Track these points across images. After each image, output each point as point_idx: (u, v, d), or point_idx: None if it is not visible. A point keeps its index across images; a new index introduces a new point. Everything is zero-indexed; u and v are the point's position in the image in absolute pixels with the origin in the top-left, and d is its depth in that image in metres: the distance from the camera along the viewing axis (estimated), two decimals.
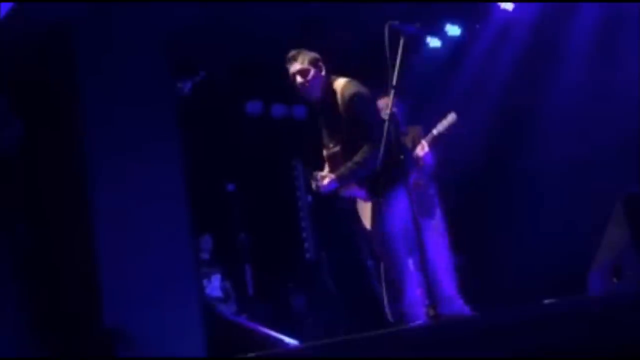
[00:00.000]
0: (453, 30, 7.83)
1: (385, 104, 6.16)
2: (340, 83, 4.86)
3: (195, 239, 6.61)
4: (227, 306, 7.48)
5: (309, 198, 8.60)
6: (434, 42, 7.99)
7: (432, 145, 6.07)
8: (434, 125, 6.16)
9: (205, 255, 7.65)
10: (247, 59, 7.68)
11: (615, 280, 4.71)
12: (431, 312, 4.45)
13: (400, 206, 4.77)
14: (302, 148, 8.66)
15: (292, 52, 4.90)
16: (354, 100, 4.74)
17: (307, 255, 8.57)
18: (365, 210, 5.56)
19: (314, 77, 4.83)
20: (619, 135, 6.77)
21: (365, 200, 5.06)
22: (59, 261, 5.31)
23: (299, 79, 4.85)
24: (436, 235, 6.15)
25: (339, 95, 4.79)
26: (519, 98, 7.58)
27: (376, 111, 4.83)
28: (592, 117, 7.06)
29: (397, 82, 4.67)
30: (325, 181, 4.83)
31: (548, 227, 7.16)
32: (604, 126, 6.93)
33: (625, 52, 6.82)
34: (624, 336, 3.05)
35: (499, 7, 7.48)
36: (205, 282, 7.40)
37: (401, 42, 4.70)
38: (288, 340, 5.69)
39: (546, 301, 4.70)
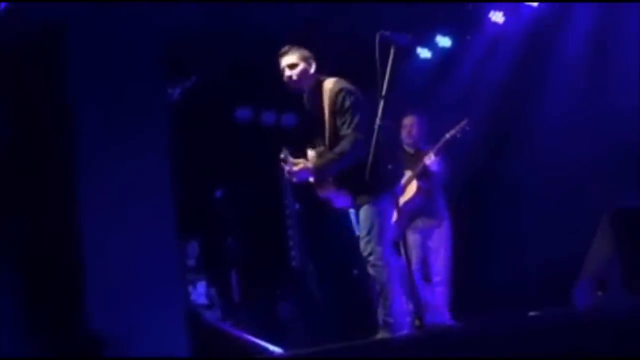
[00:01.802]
0: (444, 41, 7.86)
1: (409, 124, 6.24)
2: (329, 82, 4.87)
3: (182, 244, 6.58)
4: (212, 313, 7.45)
5: (297, 205, 8.59)
6: (424, 52, 8.02)
7: (440, 152, 6.09)
8: (435, 134, 6.20)
9: (191, 262, 7.62)
10: (237, 65, 7.68)
11: (600, 293, 4.73)
12: (417, 322, 4.46)
13: (387, 214, 4.76)
14: (292, 155, 8.66)
15: (286, 47, 4.93)
16: (340, 93, 4.75)
17: (293, 263, 8.56)
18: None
19: (302, 71, 4.87)
20: (608, 148, 6.80)
21: (345, 208, 5.01)
22: (44, 261, 5.28)
23: (287, 72, 4.87)
24: (441, 245, 6.19)
25: (326, 92, 4.80)
26: (509, 109, 7.60)
27: (362, 109, 4.78)
28: (582, 129, 7.10)
29: (386, 92, 4.69)
30: (297, 167, 4.78)
31: (535, 240, 7.19)
32: (593, 138, 6.96)
33: (615, 65, 6.86)
34: (608, 349, 3.05)
35: (489, 19, 7.52)
36: (190, 288, 7.37)
37: (392, 52, 4.72)
38: (272, 348, 5.67)
39: (531, 313, 4.71)
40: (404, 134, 6.37)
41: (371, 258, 4.70)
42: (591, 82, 7.07)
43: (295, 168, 4.77)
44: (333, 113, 4.77)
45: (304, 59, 4.88)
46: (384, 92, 4.68)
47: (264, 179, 8.49)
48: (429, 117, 6.67)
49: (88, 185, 5.27)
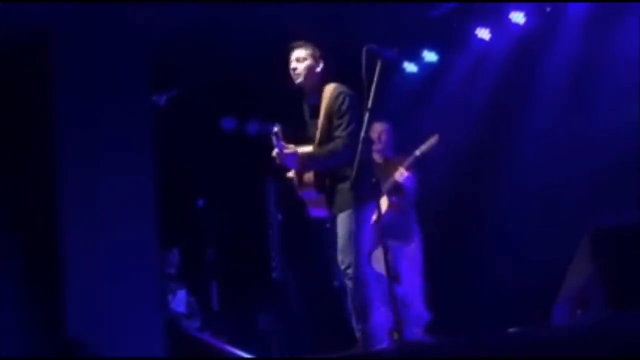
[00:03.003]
0: (430, 56, 7.90)
1: (380, 130, 6.24)
2: (331, 85, 4.93)
3: (163, 252, 6.56)
4: (191, 322, 7.41)
5: (279, 217, 8.58)
6: (410, 67, 8.05)
7: (412, 168, 6.08)
8: (412, 150, 6.18)
9: (171, 270, 7.59)
10: (223, 74, 7.68)
11: (579, 311, 4.75)
12: (395, 337, 4.46)
13: (365, 226, 4.75)
14: (275, 166, 8.66)
15: (299, 41, 4.98)
16: (340, 96, 4.81)
17: (274, 274, 8.54)
18: None
19: (308, 67, 4.91)
20: (589, 167, 6.84)
21: (319, 218, 5.01)
22: (25, 267, 5.25)
23: (294, 64, 4.92)
24: (411, 260, 6.16)
25: (326, 93, 4.85)
26: (492, 126, 7.63)
27: (357, 115, 4.78)
28: (564, 148, 7.13)
29: (372, 105, 4.71)
30: (287, 150, 4.78)
31: (515, 257, 7.19)
32: (575, 157, 7.00)
33: (600, 84, 6.91)
34: None
35: (475, 35, 7.56)
36: (170, 297, 7.33)
37: (378, 65, 4.75)
38: (251, 358, 5.66)
39: (510, 330, 4.72)
40: (374, 139, 6.34)
41: (349, 271, 4.68)
42: (575, 101, 7.12)
43: (286, 150, 4.78)
44: (329, 114, 4.81)
45: (313, 57, 4.93)
46: (369, 105, 4.71)
47: (246, 189, 8.48)
48: (414, 132, 6.68)
49: (69, 191, 5.25)
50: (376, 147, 6.35)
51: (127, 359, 4.90)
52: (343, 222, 4.75)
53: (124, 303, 5.14)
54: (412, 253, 6.23)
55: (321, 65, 4.96)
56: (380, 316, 4.84)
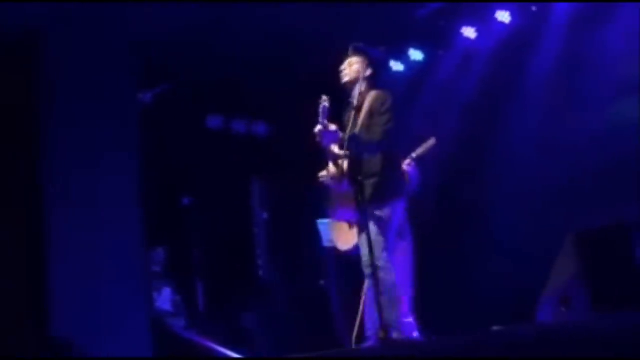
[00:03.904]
0: (416, 55, 7.91)
1: None
2: (376, 90, 5.08)
3: (148, 250, 6.54)
4: (177, 320, 7.39)
5: (265, 215, 8.58)
6: (397, 66, 8.07)
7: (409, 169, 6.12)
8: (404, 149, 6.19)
9: (156, 268, 7.57)
10: (210, 73, 7.66)
11: (563, 309, 4.78)
12: (381, 335, 4.47)
13: (397, 220, 4.96)
14: (261, 165, 8.66)
15: (354, 50, 5.17)
16: (385, 97, 4.98)
17: (260, 273, 8.53)
18: (340, 231, 5.65)
19: (356, 70, 5.08)
20: (576, 167, 6.87)
21: (349, 219, 5.11)
22: (9, 266, 5.22)
23: (344, 66, 5.13)
24: (404, 257, 6.18)
25: (371, 94, 5.01)
26: (478, 126, 7.65)
27: (396, 117, 4.99)
28: (549, 149, 7.15)
29: (357, 104, 4.72)
30: (332, 127, 4.96)
31: (500, 257, 7.21)
32: (562, 157, 7.02)
33: (585, 84, 6.94)
34: None
35: (461, 34, 7.58)
36: (155, 295, 7.31)
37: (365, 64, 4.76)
38: (236, 356, 5.66)
39: (495, 328, 4.75)
40: None
41: (380, 262, 4.83)
42: (561, 99, 7.14)
43: (331, 127, 4.93)
44: (371, 112, 4.95)
45: (363, 63, 5.10)
46: (355, 104, 4.72)
47: (232, 187, 8.47)
48: (399, 129, 6.68)
49: (55, 190, 5.23)
50: None
51: (113, 358, 4.88)
52: (374, 216, 4.87)
53: (109, 301, 5.13)
54: (405, 249, 6.25)
55: (369, 72, 5.09)
56: (372, 313, 4.98)
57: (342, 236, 6.04)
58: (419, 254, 6.41)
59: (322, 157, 5.17)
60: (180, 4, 6.25)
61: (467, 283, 7.37)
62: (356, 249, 5.63)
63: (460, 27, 7.57)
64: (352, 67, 5.11)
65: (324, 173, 5.16)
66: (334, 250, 6.78)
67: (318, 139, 4.95)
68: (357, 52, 5.13)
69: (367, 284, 5.12)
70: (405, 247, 6.19)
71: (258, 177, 8.77)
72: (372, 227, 4.86)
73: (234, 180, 8.49)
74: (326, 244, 6.96)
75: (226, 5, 6.48)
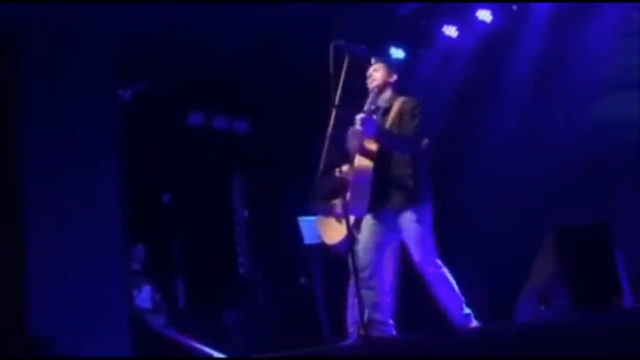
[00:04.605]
0: (397, 53, 7.92)
1: (351, 134, 6.28)
2: (406, 96, 5.22)
3: (128, 248, 6.50)
4: (156, 318, 7.36)
5: (245, 213, 8.56)
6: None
7: None
8: None
9: (136, 265, 7.53)
10: (191, 70, 7.63)
11: (542, 308, 4.81)
12: (361, 332, 4.48)
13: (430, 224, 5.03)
14: (242, 161, 8.64)
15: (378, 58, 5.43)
16: (418, 104, 5.12)
17: (241, 270, 8.52)
18: (327, 226, 5.68)
19: (382, 75, 5.26)
20: (555, 166, 6.91)
21: (358, 216, 5.17)
22: None
23: (369, 72, 5.29)
24: (391, 255, 6.18)
25: (403, 99, 5.16)
26: (458, 124, 7.67)
27: (426, 122, 5.13)
28: (529, 147, 7.19)
29: (339, 101, 4.72)
30: (375, 116, 5.08)
31: (479, 255, 7.24)
32: (541, 155, 7.06)
33: (564, 83, 6.98)
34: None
35: (443, 33, 7.60)
36: (135, 292, 7.28)
37: (345, 61, 4.76)
38: (216, 355, 5.64)
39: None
40: (351, 144, 6.36)
41: (438, 262, 5.04)
42: (540, 98, 7.18)
43: (375, 115, 5.04)
44: (402, 115, 5.09)
45: (388, 67, 5.31)
46: (337, 102, 4.71)
47: (213, 184, 8.45)
48: None
49: (34, 188, 5.19)
50: (355, 150, 6.35)
51: (91, 359, 4.85)
52: (412, 220, 4.98)
53: (88, 300, 5.10)
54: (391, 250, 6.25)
55: (394, 77, 5.26)
56: (354, 311, 5.15)
57: (329, 231, 6.06)
58: (401, 252, 6.42)
59: (337, 150, 5.17)
60: (161, 1, 6.22)
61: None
62: (343, 245, 5.65)
63: (441, 26, 7.59)
64: (378, 73, 5.26)
65: (346, 167, 5.18)
66: (317, 247, 6.79)
67: (359, 124, 4.99)
68: (380, 60, 5.34)
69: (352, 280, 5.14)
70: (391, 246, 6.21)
71: (239, 175, 8.74)
72: (413, 231, 4.99)
73: (214, 177, 8.47)
74: (307, 241, 6.96)
75: (207, 2, 6.46)
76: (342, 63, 4.77)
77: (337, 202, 5.76)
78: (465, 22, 7.51)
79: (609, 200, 6.45)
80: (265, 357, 4.48)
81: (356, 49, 4.90)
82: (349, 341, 5.56)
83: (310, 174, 4.97)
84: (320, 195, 5.91)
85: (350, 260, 4.80)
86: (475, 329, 4.80)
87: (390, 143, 5.04)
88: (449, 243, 7.47)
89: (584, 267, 4.58)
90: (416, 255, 5.02)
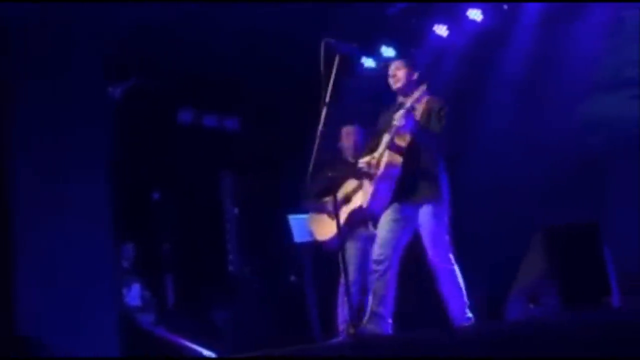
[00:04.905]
0: (388, 52, 7.92)
1: (346, 133, 6.31)
2: (432, 96, 5.30)
3: (117, 246, 6.48)
4: (146, 316, 7.35)
5: (235, 210, 8.55)
6: (368, 62, 8.07)
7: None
8: None
9: (125, 263, 7.51)
10: (181, 67, 7.62)
11: (532, 307, 4.82)
12: (350, 330, 4.48)
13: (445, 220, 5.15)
14: (232, 159, 8.63)
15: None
16: (444, 105, 5.26)
17: (231, 268, 8.51)
18: (319, 223, 5.68)
19: (404, 74, 5.35)
20: (544, 165, 6.92)
21: (378, 212, 5.27)
22: None
23: (391, 72, 5.40)
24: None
25: (428, 100, 5.23)
26: (448, 122, 7.66)
27: (450, 123, 5.26)
28: (518, 147, 7.20)
29: (330, 99, 4.72)
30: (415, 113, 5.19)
31: (469, 254, 7.24)
32: (531, 155, 7.07)
33: (556, 82, 6.99)
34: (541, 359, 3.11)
35: (434, 32, 7.60)
36: (124, 290, 7.26)
37: (336, 60, 4.76)
38: (206, 353, 5.63)
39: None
40: (346, 143, 6.37)
41: (450, 259, 5.15)
42: (531, 98, 7.19)
43: (414, 113, 5.12)
44: (429, 114, 5.20)
45: (409, 66, 5.39)
46: (327, 100, 4.71)
47: (203, 182, 8.44)
48: (368, 127, 6.69)
49: (22, 182, 5.16)
50: (350, 150, 6.37)
51: (80, 359, 4.83)
52: (431, 214, 5.10)
53: (76, 299, 5.08)
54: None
55: (416, 76, 5.33)
56: (343, 310, 5.27)
57: (321, 228, 6.07)
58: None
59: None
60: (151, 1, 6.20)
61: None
62: (334, 242, 5.66)
63: (432, 25, 7.59)
64: (400, 72, 5.36)
65: (366, 158, 5.30)
66: (308, 245, 6.79)
67: (400, 121, 5.04)
68: (400, 61, 5.45)
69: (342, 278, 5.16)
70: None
71: (229, 173, 8.73)
72: (430, 225, 5.10)
73: (204, 175, 8.46)
74: (298, 239, 6.96)
75: (198, 1, 6.45)
76: (333, 61, 4.77)
77: (329, 199, 5.77)
78: (456, 21, 7.51)
79: (600, 199, 6.47)
80: (254, 355, 4.47)
81: (347, 47, 4.90)
82: (339, 339, 5.57)
83: (301, 172, 4.96)
84: (311, 193, 5.92)
85: (340, 258, 4.81)
86: (465, 327, 4.81)
87: (425, 140, 5.17)
88: None
89: (573, 267, 4.58)
90: (430, 249, 5.12)
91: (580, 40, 6.87)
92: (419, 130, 5.10)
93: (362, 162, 5.35)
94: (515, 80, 7.30)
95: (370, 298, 5.15)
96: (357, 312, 5.17)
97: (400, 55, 7.93)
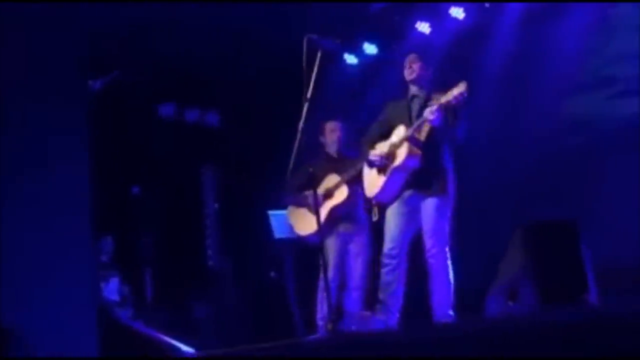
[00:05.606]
0: (370, 48, 7.92)
1: (330, 129, 6.31)
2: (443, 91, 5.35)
3: (95, 240, 6.45)
4: (124, 310, 7.31)
5: (216, 205, 8.52)
6: (350, 58, 8.07)
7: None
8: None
9: (104, 258, 7.47)
10: (162, 61, 7.59)
11: (510, 303, 4.84)
12: (329, 327, 4.49)
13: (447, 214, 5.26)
14: (213, 154, 8.60)
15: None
16: (460, 97, 5.23)
17: (210, 263, 8.48)
18: (304, 217, 5.68)
19: (420, 67, 5.49)
20: (524, 163, 6.94)
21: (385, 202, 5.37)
22: None
23: (406, 65, 5.51)
24: (361, 250, 6.20)
25: (445, 92, 5.20)
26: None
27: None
28: (498, 147, 7.22)
29: (311, 95, 4.72)
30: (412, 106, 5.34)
31: (454, 250, 7.26)
32: (511, 153, 7.09)
33: (537, 81, 7.02)
34: (519, 356, 3.11)
35: (416, 29, 7.61)
36: (102, 284, 7.22)
37: (318, 56, 4.76)
38: (185, 348, 5.61)
39: (442, 321, 4.79)
40: (329, 138, 6.37)
41: (447, 254, 5.20)
42: (513, 97, 7.21)
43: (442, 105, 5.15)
44: (447, 106, 5.17)
45: (425, 60, 5.55)
46: (309, 95, 4.71)
47: (183, 176, 8.41)
48: (350, 124, 6.69)
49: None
50: (333, 145, 6.36)
51: (56, 359, 4.79)
52: (435, 208, 5.20)
53: (53, 292, 5.04)
54: (359, 241, 6.26)
55: (431, 69, 5.54)
56: (323, 306, 5.32)
57: (301, 222, 6.08)
58: (375, 248, 6.44)
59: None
60: None
61: (418, 276, 7.41)
62: (314, 237, 5.65)
63: (414, 22, 7.61)
64: (416, 65, 5.47)
65: (378, 152, 5.38)
66: (288, 241, 6.78)
67: (433, 115, 5.10)
68: (416, 54, 5.53)
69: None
70: (360, 238, 6.22)
71: (210, 167, 8.70)
72: (435, 220, 5.18)
73: (185, 169, 8.42)
74: (278, 235, 6.95)
75: None
76: (315, 57, 4.77)
77: (308, 193, 5.77)
78: (439, 18, 7.53)
79: (580, 197, 6.50)
80: (234, 350, 4.46)
81: (329, 43, 4.90)
82: (317, 335, 5.57)
83: (282, 168, 4.96)
84: (291, 187, 5.92)
85: (320, 253, 4.81)
86: (442, 323, 4.83)
87: (447, 135, 5.27)
88: (419, 239, 7.52)
89: (551, 264, 4.62)
90: (429, 241, 5.20)
91: (562, 39, 6.90)
92: (444, 126, 5.18)
93: (375, 153, 5.40)
94: (497, 79, 7.32)
95: (381, 290, 5.29)
96: (335, 309, 5.19)
97: (381, 52, 7.96)
